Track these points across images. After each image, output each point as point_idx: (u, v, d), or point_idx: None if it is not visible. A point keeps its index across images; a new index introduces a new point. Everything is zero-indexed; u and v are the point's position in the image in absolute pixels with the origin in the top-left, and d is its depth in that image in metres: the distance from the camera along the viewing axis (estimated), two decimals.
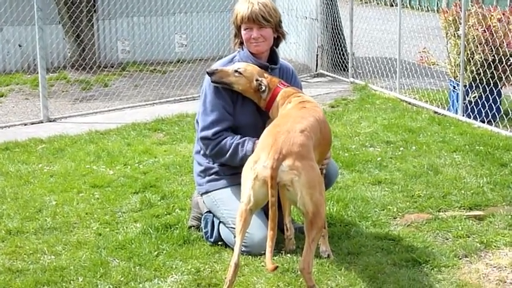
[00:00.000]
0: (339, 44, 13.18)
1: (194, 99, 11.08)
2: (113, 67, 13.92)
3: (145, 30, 15.02)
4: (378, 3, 13.61)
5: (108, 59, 14.60)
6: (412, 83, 11.85)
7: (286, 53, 14.37)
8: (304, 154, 4.38)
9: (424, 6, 12.44)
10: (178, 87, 12.06)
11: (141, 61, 14.47)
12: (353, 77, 12.44)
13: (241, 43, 5.35)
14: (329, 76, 13.13)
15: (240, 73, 5.14)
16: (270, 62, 5.38)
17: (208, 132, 5.20)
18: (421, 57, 10.64)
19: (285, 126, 4.55)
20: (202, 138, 5.26)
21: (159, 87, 12.19)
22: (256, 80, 5.13)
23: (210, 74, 5.16)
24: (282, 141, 4.41)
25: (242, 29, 5.27)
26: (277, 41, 5.35)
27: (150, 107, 10.86)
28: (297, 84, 5.44)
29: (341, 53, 13.19)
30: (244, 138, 5.13)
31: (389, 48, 13.18)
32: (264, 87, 5.12)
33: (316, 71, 13.47)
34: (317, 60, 13.45)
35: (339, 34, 13.20)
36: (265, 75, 5.19)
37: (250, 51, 5.31)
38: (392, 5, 13.27)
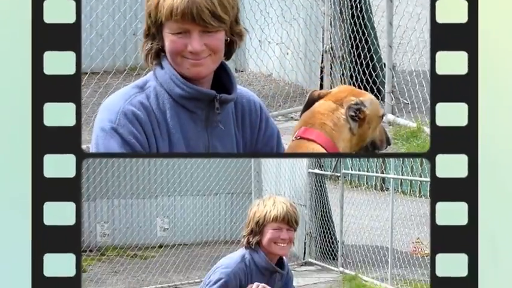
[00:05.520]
0: (328, 232, 13.04)
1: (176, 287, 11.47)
2: (91, 251, 13.59)
3: (126, 213, 14.99)
4: (367, 188, 13.79)
5: (87, 243, 14.25)
6: (405, 274, 11.70)
7: None
8: None
9: (416, 192, 12.47)
10: (160, 274, 11.95)
11: (121, 245, 14.16)
12: (343, 266, 12.27)
13: (159, 53, 2.65)
14: (317, 265, 12.87)
15: None
16: (218, 88, 2.71)
17: None
18: (415, 248, 10.60)
19: None
20: None
21: (140, 273, 12.13)
22: None
23: None
24: None
25: (167, 30, 2.60)
26: (230, 46, 2.69)
27: None
28: (271, 132, 2.82)
29: (330, 240, 13.02)
30: None
31: (381, 237, 12.97)
32: None
33: (303, 259, 13.17)
34: (305, 248, 13.23)
35: (329, 221, 13.10)
36: None
37: (179, 71, 2.64)
38: (383, 189, 13.49)
